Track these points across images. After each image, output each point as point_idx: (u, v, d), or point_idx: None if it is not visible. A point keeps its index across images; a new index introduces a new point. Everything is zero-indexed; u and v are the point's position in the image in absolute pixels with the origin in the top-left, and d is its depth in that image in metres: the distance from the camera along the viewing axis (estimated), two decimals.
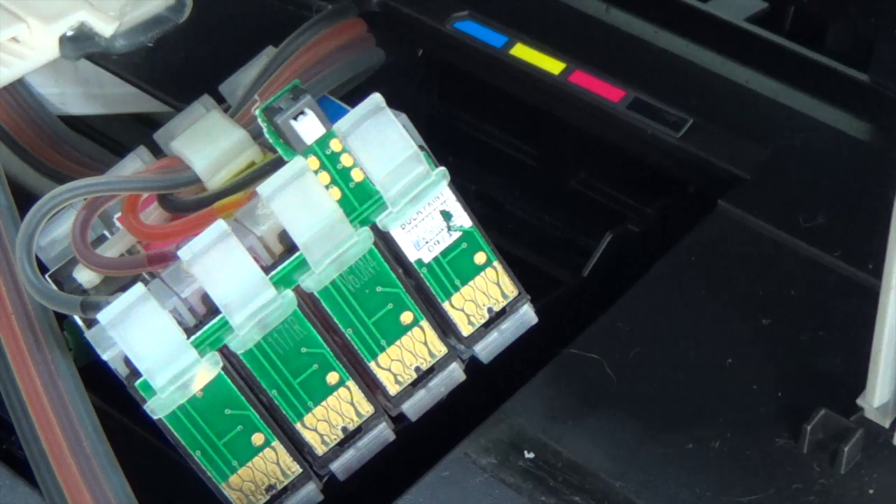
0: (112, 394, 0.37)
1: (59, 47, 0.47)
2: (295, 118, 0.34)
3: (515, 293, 0.36)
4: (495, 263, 0.36)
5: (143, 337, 0.33)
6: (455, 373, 0.37)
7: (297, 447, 0.35)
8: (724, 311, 0.43)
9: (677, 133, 0.49)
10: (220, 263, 0.33)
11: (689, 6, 0.54)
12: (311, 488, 0.36)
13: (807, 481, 0.39)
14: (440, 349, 0.36)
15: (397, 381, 0.36)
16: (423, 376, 0.36)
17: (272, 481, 0.35)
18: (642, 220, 0.49)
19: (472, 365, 0.43)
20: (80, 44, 0.46)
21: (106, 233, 0.37)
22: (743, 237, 0.45)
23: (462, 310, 0.36)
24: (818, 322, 0.43)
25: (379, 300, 0.34)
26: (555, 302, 0.46)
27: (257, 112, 0.34)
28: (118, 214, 0.36)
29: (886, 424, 0.39)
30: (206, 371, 0.33)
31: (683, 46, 0.52)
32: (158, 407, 0.33)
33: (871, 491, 0.39)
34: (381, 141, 0.34)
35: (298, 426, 0.35)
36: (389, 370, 0.35)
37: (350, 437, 0.36)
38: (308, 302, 0.35)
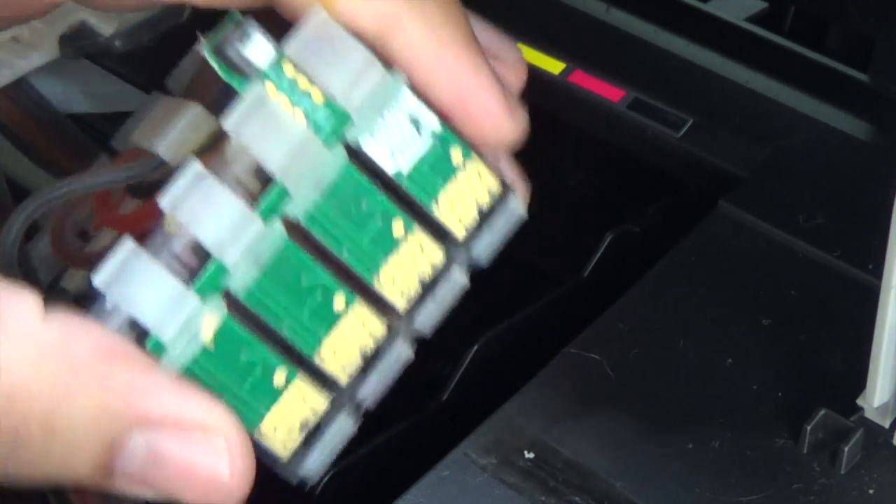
0: None
1: (59, 46, 0.47)
2: (242, 43, 0.34)
3: (499, 187, 0.36)
4: (473, 158, 0.35)
5: (143, 291, 0.32)
6: (459, 278, 0.36)
7: (321, 381, 0.35)
8: (724, 311, 0.43)
9: (677, 133, 0.49)
10: (202, 202, 0.33)
11: (689, 6, 0.54)
12: (344, 419, 0.35)
13: (807, 481, 0.39)
14: (439, 256, 0.35)
15: (403, 296, 0.35)
16: (429, 287, 0.35)
17: (304, 419, 0.35)
18: (642, 220, 0.49)
19: (473, 365, 0.44)
20: (79, 43, 0.46)
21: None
22: (743, 237, 0.45)
23: (451, 212, 0.35)
24: (818, 322, 0.43)
25: (366, 216, 0.34)
26: (555, 302, 0.46)
27: (204, 50, 0.34)
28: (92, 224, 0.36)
29: (886, 424, 0.40)
30: (212, 315, 0.33)
31: (683, 46, 0.52)
32: (173, 363, 0.33)
33: (871, 491, 0.39)
34: (333, 54, 0.33)
35: (316, 358, 0.35)
36: (393, 285, 0.35)
37: (370, 360, 0.35)
38: (298, 236, 0.34)
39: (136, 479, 0.30)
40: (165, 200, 0.32)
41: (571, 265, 0.49)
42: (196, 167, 0.32)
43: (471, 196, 0.35)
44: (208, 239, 0.33)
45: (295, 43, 0.33)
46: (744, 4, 0.55)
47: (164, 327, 0.33)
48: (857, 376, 0.39)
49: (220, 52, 0.34)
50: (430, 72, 0.34)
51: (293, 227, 0.34)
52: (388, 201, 0.34)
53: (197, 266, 0.33)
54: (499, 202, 0.36)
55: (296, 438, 0.34)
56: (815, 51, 0.51)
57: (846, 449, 0.39)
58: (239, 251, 0.33)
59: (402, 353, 0.35)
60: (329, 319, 0.34)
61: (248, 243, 0.33)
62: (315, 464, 0.36)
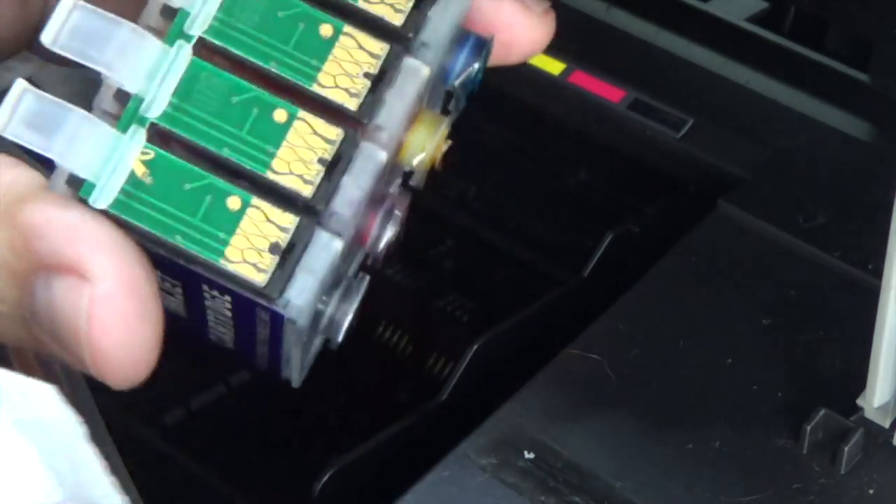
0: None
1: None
2: None
3: (387, 51, 0.32)
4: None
5: (56, 132, 0.31)
6: (416, 67, 0.34)
7: (283, 199, 0.32)
8: (724, 311, 0.43)
9: (677, 133, 0.49)
10: (85, 26, 0.32)
11: (689, 6, 0.54)
12: (325, 237, 0.33)
13: (807, 481, 0.39)
14: (381, 46, 0.32)
15: (351, 95, 0.33)
16: (376, 82, 0.32)
17: (272, 240, 0.33)
18: (642, 221, 0.49)
19: (473, 365, 0.44)
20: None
21: None
22: (743, 237, 0.45)
23: (335, 85, 0.32)
24: (818, 322, 0.43)
25: (287, 23, 0.32)
26: (555, 302, 0.46)
27: None
28: None
29: (886, 424, 0.39)
30: (137, 146, 0.32)
31: (683, 46, 0.52)
32: (102, 197, 0.32)
33: (870, 491, 0.39)
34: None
35: (270, 175, 0.32)
36: (336, 87, 0.33)
37: (333, 166, 0.32)
38: (221, 60, 0.33)
39: (45, 332, 0.27)
40: (46, 35, 0.31)
41: (571, 265, 0.49)
42: None
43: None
44: (106, 69, 0.32)
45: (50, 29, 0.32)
46: (744, 4, 0.55)
47: (84, 165, 0.32)
48: (857, 376, 0.39)
49: None
50: None
51: (205, 47, 0.32)
52: (306, 4, 0.32)
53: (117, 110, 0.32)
54: (390, 62, 0.32)
55: (268, 260, 0.31)
56: (815, 51, 0.51)
57: (846, 449, 0.39)
58: (142, 77, 0.32)
59: (374, 153, 0.33)
60: (274, 133, 0.33)
61: (149, 67, 0.32)
62: (303, 290, 0.33)
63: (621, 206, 0.52)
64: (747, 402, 0.41)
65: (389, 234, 0.32)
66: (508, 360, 0.44)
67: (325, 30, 0.32)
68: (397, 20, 0.32)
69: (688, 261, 0.45)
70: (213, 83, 0.32)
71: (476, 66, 0.35)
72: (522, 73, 0.52)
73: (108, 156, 0.32)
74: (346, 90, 0.32)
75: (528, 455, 0.40)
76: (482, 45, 0.36)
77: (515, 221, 0.53)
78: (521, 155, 0.55)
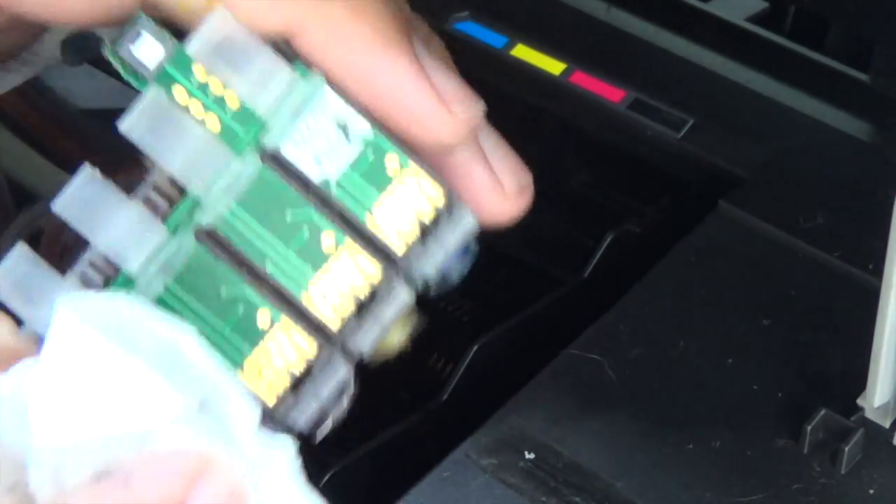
0: None
1: (62, 52, 0.47)
2: (132, 42, 0.33)
3: (443, 195, 0.33)
4: (411, 165, 0.33)
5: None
6: (401, 296, 0.34)
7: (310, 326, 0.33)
8: (724, 312, 0.43)
9: (678, 133, 0.49)
10: (95, 210, 0.32)
11: (689, 6, 0.54)
12: (339, 365, 0.33)
13: (807, 481, 0.39)
14: (376, 271, 0.33)
15: (337, 314, 0.33)
16: (366, 304, 0.33)
17: (291, 363, 0.33)
18: (642, 221, 0.49)
19: (473, 365, 0.44)
20: (82, 47, 0.46)
21: None
22: (743, 237, 0.45)
23: (388, 223, 0.33)
24: (818, 322, 0.43)
25: (292, 228, 0.32)
26: (555, 303, 0.46)
27: (107, 52, 0.33)
28: None
29: (887, 424, 0.40)
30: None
31: (684, 46, 0.52)
32: (143, 293, 0.32)
33: (871, 491, 0.39)
34: (236, 55, 0.32)
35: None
36: (324, 301, 0.34)
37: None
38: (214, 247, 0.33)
39: None
40: (58, 205, 0.32)
41: (571, 266, 0.49)
42: (87, 171, 0.32)
43: (410, 207, 0.33)
44: (103, 245, 0.32)
45: (195, 43, 0.32)
46: (744, 4, 0.55)
47: (129, 257, 0.32)
48: (858, 376, 0.39)
49: (116, 53, 0.33)
50: (342, 74, 0.32)
51: (209, 237, 0.33)
52: (315, 211, 0.33)
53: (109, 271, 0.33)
54: (445, 214, 0.33)
55: (282, 383, 0.33)
56: (815, 51, 0.51)
57: (846, 449, 0.39)
58: (143, 259, 0.32)
59: (399, 296, 0.33)
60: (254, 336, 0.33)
61: (150, 253, 0.32)
62: (305, 413, 0.34)
63: (621, 207, 0.52)
64: (747, 402, 0.41)
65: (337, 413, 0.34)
66: (508, 361, 0.44)
67: (328, 240, 0.32)
68: (400, 249, 0.33)
69: (688, 261, 0.45)
70: (209, 271, 0.32)
71: (457, 274, 0.36)
72: (523, 73, 0.52)
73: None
74: (332, 309, 0.32)
75: (529, 455, 0.40)
76: (467, 252, 0.36)
77: (515, 222, 0.53)
78: (521, 155, 0.55)
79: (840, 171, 0.48)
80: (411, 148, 0.33)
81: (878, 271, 0.37)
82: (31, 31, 0.38)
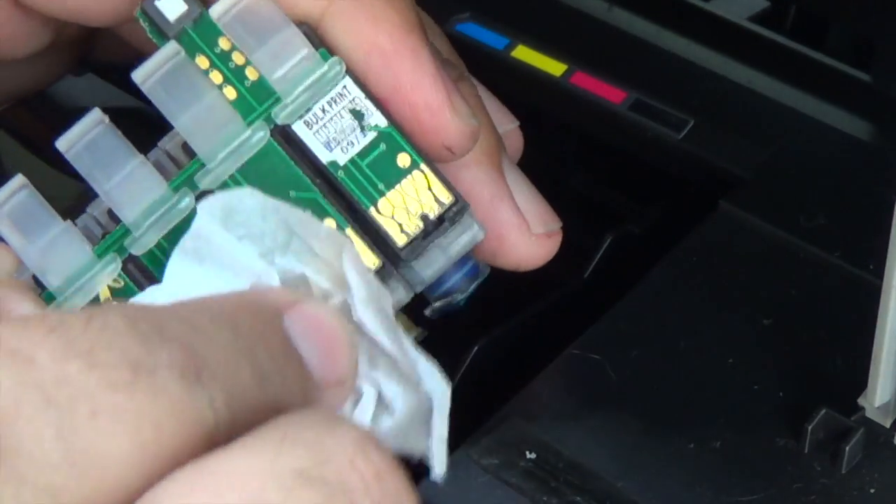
0: None
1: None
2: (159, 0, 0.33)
3: (451, 199, 0.33)
4: (423, 166, 0.33)
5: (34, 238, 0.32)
6: (395, 294, 0.34)
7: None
8: (724, 312, 0.43)
9: (678, 134, 0.49)
10: (99, 153, 0.32)
11: (690, 5, 0.54)
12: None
13: (808, 481, 0.39)
14: (373, 261, 0.33)
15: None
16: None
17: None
18: (642, 221, 0.49)
19: (473, 366, 0.43)
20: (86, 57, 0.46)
21: None
22: (743, 237, 0.45)
23: (392, 217, 0.33)
24: (819, 322, 0.43)
25: (295, 205, 0.32)
26: (556, 303, 0.46)
27: (137, 14, 0.33)
28: None
29: (887, 424, 0.39)
30: (109, 273, 0.33)
31: (685, 46, 0.52)
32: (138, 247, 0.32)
33: (871, 490, 0.39)
34: (261, 26, 0.32)
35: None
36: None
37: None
38: None
39: None
40: (62, 143, 0.32)
41: (571, 266, 0.49)
42: (96, 114, 0.32)
43: (416, 204, 0.33)
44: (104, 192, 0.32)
45: (219, 6, 0.32)
46: (745, 4, 0.55)
47: (126, 205, 0.32)
48: (858, 376, 0.39)
49: (144, 12, 0.33)
50: (366, 58, 0.33)
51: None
52: (319, 194, 0.33)
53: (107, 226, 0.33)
54: (451, 219, 0.33)
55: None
56: (816, 50, 0.51)
57: (847, 449, 0.39)
58: (144, 219, 0.32)
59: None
60: None
61: (157, 217, 0.32)
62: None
63: (622, 207, 0.52)
64: (747, 402, 0.41)
65: None
66: (509, 361, 0.44)
67: (329, 224, 0.33)
68: (401, 241, 0.33)
69: (688, 261, 0.45)
70: None
71: (463, 294, 0.36)
72: (524, 74, 0.52)
73: (79, 274, 0.32)
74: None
75: (530, 455, 0.40)
76: (476, 274, 0.36)
77: None
78: (521, 156, 0.55)
79: (841, 171, 0.47)
80: (422, 151, 0.34)
81: (878, 271, 0.37)
82: (44, 26, 0.39)
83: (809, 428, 0.39)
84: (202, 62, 0.32)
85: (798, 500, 0.38)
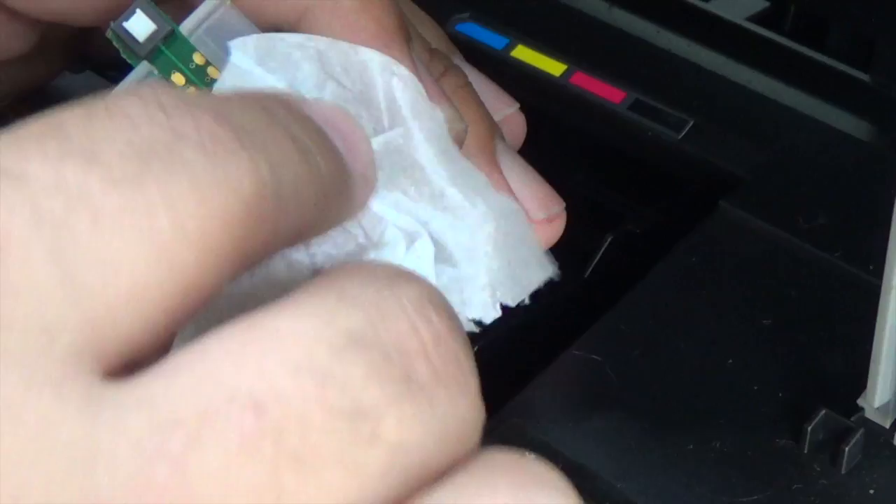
0: None
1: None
2: (127, 20, 0.33)
3: None
4: None
5: None
6: None
7: None
8: (724, 312, 0.43)
9: (678, 134, 0.49)
10: None
11: (690, 5, 0.54)
12: None
13: (807, 481, 0.39)
14: None
15: None
16: None
17: None
18: (642, 221, 0.49)
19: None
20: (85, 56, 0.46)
21: None
22: (743, 237, 0.45)
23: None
24: (819, 322, 0.43)
25: None
26: (556, 304, 0.46)
27: (109, 33, 0.33)
28: None
29: (887, 425, 0.39)
30: None
31: (684, 46, 0.52)
32: None
33: (871, 491, 0.39)
34: (230, 36, 0.32)
35: None
36: None
37: None
38: None
39: None
40: None
41: (572, 266, 0.49)
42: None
43: None
44: None
45: (188, 22, 0.32)
46: (745, 4, 0.55)
47: None
48: (858, 376, 0.39)
49: (114, 31, 0.33)
50: None
51: None
52: None
53: None
54: None
55: None
56: (816, 50, 0.51)
57: (847, 449, 0.38)
58: None
59: None
60: None
61: None
62: None
63: (622, 207, 0.52)
64: (747, 402, 0.41)
65: None
66: (509, 361, 0.44)
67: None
68: None
69: (688, 261, 0.45)
70: None
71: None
72: (524, 74, 0.52)
73: None
74: None
75: (530, 456, 0.40)
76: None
77: None
78: (521, 156, 0.55)
79: (840, 171, 0.47)
80: None
81: (878, 271, 0.37)
82: (31, 27, 0.38)
83: (809, 428, 0.39)
84: (178, 79, 0.33)
85: (798, 500, 0.38)
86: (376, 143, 0.28)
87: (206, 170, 0.21)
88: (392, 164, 0.29)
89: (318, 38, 0.31)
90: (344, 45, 0.29)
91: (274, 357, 0.21)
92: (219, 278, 0.21)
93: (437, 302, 0.23)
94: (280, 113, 0.23)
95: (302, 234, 0.24)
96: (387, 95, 0.29)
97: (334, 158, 0.24)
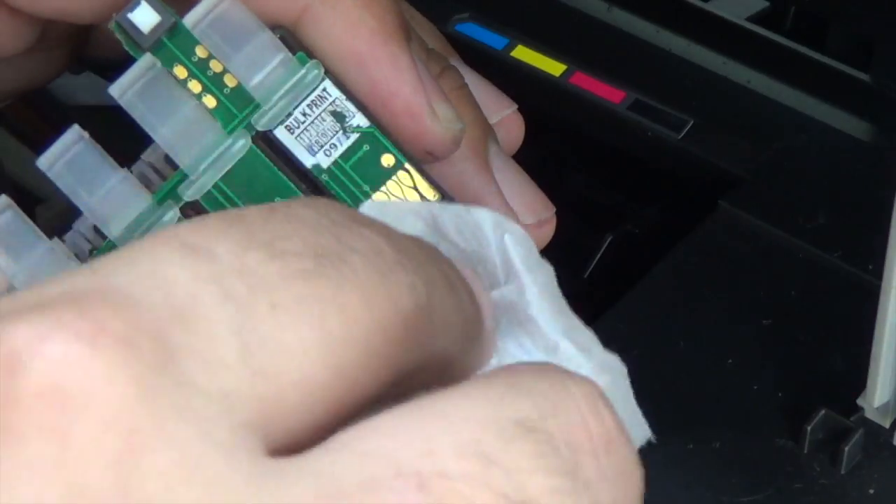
0: None
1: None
2: (131, 11, 0.33)
3: (437, 196, 0.33)
4: (407, 165, 0.33)
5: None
6: None
7: None
8: (724, 312, 0.43)
9: (678, 134, 0.49)
10: (81, 171, 0.32)
11: (689, 5, 0.53)
12: None
13: (807, 481, 0.39)
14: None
15: None
16: None
17: None
18: (642, 221, 0.49)
19: None
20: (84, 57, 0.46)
21: None
22: (743, 237, 0.45)
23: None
24: (818, 322, 0.43)
25: None
26: None
27: (112, 26, 0.33)
28: None
29: (887, 424, 0.39)
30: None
31: (684, 46, 0.52)
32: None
33: (871, 491, 0.39)
34: (235, 33, 0.32)
35: None
36: None
37: None
38: None
39: None
40: (44, 161, 0.32)
41: (571, 267, 0.49)
42: (76, 130, 0.32)
43: None
44: (83, 206, 0.32)
45: (192, 15, 0.32)
46: (745, 4, 0.55)
47: (112, 222, 0.32)
48: (858, 376, 0.39)
49: (119, 24, 0.33)
50: (344, 62, 0.33)
51: (194, 211, 0.33)
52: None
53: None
54: None
55: None
56: (816, 50, 0.51)
57: (846, 449, 0.39)
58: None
59: None
60: None
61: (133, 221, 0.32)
62: None
63: (622, 207, 0.52)
64: (747, 402, 0.41)
65: None
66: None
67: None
68: None
69: (688, 261, 0.45)
70: None
71: None
72: (524, 74, 0.52)
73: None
74: None
75: None
76: None
77: None
78: (521, 157, 0.55)
79: (840, 171, 0.47)
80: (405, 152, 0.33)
81: (878, 271, 0.37)
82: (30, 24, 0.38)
83: (809, 428, 0.39)
84: (180, 72, 0.32)
85: (798, 500, 0.38)
86: (492, 297, 0.29)
87: (372, 281, 0.22)
88: (508, 318, 0.29)
89: (431, 203, 0.31)
90: (457, 208, 0.29)
91: (442, 438, 0.21)
92: (375, 388, 0.22)
93: (608, 403, 0.23)
94: (430, 248, 0.24)
95: (445, 369, 0.24)
96: (500, 252, 0.29)
97: (473, 300, 0.25)
